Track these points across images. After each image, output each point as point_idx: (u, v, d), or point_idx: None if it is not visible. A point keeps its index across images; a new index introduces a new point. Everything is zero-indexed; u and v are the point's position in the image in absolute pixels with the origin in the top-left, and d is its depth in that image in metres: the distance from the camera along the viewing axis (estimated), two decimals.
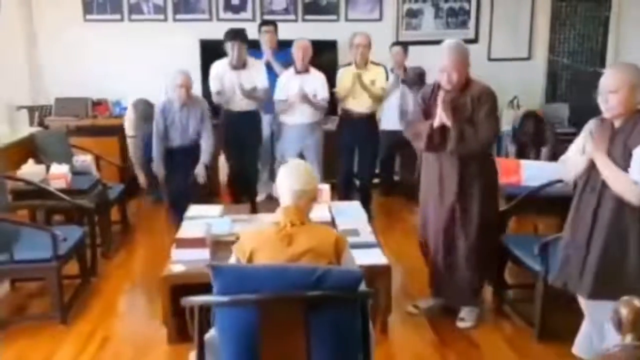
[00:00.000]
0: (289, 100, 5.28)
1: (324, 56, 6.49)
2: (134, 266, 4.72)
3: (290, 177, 2.41)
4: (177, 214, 4.51)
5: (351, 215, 4.16)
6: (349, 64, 5.56)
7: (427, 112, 3.62)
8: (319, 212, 4.16)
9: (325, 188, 4.38)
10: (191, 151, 4.84)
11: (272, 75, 5.55)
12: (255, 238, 2.36)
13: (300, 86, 5.23)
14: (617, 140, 2.72)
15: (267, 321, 2.07)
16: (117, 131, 6.12)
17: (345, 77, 5.47)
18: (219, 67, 5.34)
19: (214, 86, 5.31)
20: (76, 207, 4.26)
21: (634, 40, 6.79)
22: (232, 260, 2.40)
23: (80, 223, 4.34)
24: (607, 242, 2.73)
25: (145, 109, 5.72)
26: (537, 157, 5.41)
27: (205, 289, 2.21)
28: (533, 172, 4.32)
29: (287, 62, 5.52)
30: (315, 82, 5.30)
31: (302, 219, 2.37)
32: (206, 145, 4.85)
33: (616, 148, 2.71)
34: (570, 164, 3.01)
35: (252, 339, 2.09)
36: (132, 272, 4.63)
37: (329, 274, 2.11)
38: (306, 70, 5.28)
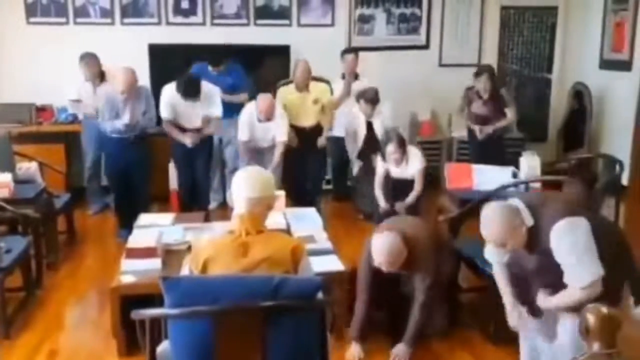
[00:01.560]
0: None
1: (276, 60, 6.47)
2: (81, 277, 4.54)
3: (245, 184, 2.36)
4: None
5: (307, 221, 4.13)
6: (290, 82, 5.64)
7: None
8: (274, 219, 4.12)
9: (281, 195, 4.34)
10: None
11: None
12: (210, 248, 2.30)
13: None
14: (527, 255, 2.69)
15: (223, 333, 2.01)
16: (63, 138, 5.93)
17: (289, 100, 5.51)
18: (171, 95, 5.17)
19: (166, 113, 5.19)
20: (22, 217, 4.07)
21: (579, 46, 6.99)
22: (185, 270, 2.33)
23: (25, 233, 4.16)
24: None
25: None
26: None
27: (156, 299, 2.13)
28: (484, 177, 4.39)
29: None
30: (278, 128, 5.32)
31: (257, 227, 2.31)
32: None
33: (530, 259, 2.68)
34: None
35: (207, 351, 2.03)
36: (80, 283, 4.46)
37: (286, 282, 2.07)
38: (269, 119, 5.27)
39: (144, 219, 4.26)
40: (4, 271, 3.56)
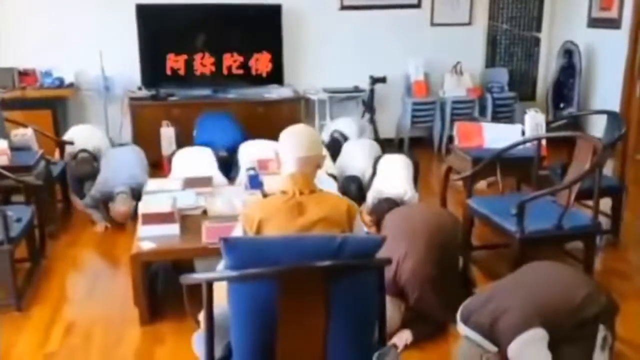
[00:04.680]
0: None
1: (267, 22, 6.31)
2: (83, 246, 4.41)
3: (294, 143, 2.27)
4: None
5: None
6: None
7: None
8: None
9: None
10: None
11: None
12: (263, 208, 2.22)
13: None
14: None
15: (288, 294, 1.94)
16: (50, 104, 5.70)
17: None
18: None
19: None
20: (24, 185, 3.89)
21: (568, 5, 6.99)
22: (238, 231, 2.24)
23: (27, 202, 3.98)
24: None
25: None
26: None
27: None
28: (494, 135, 4.37)
29: None
30: None
31: (310, 187, 2.24)
32: None
33: None
34: None
35: (269, 313, 1.96)
36: (83, 251, 4.33)
37: (349, 241, 2.00)
38: None
39: (151, 184, 4.14)
40: (14, 241, 3.41)
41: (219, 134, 5.55)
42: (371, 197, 4.35)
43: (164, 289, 3.68)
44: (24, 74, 5.86)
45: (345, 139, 5.41)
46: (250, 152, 4.97)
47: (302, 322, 2.01)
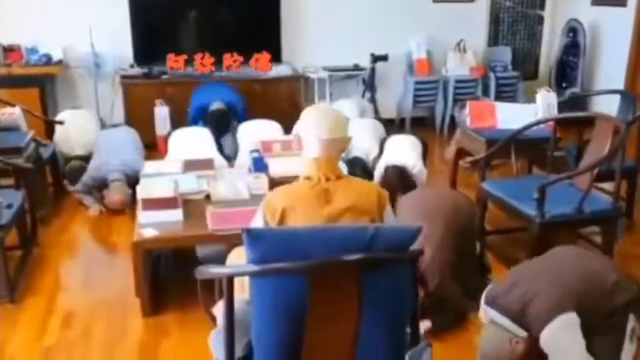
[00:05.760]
0: None
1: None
2: (78, 231, 4.20)
3: (318, 124, 2.07)
4: None
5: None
6: None
7: None
8: (293, 165, 3.86)
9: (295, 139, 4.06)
10: None
11: None
12: (287, 195, 2.03)
13: None
14: None
15: (318, 288, 1.77)
16: (37, 81, 5.42)
17: None
18: None
19: None
20: (14, 168, 3.66)
21: None
22: (259, 221, 2.05)
23: (17, 186, 3.75)
24: None
25: None
26: None
27: None
28: (508, 115, 4.21)
29: None
30: None
31: (336, 172, 2.06)
32: None
33: None
34: None
35: (297, 308, 1.78)
36: (77, 237, 4.13)
37: (382, 232, 1.83)
38: None
39: (148, 167, 3.93)
40: (5, 228, 3.20)
41: (217, 94, 5.38)
42: (378, 171, 4.18)
43: (165, 277, 3.49)
44: (8, 49, 5.56)
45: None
46: (250, 132, 4.78)
47: (332, 317, 1.84)
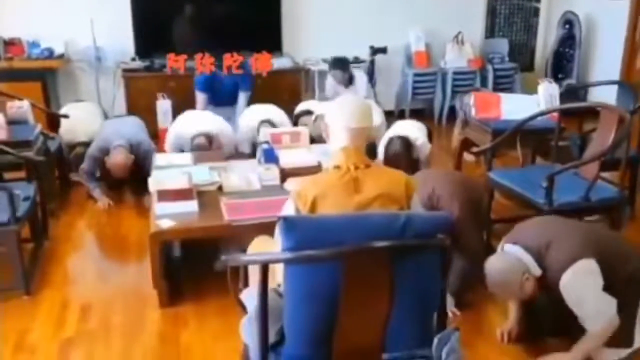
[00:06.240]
0: None
1: None
2: (88, 224, 4.22)
3: (346, 113, 2.12)
4: None
5: None
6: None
7: None
8: (301, 156, 3.91)
9: (304, 131, 4.14)
10: None
11: None
12: (317, 184, 2.07)
13: None
14: None
15: (352, 275, 1.81)
16: (39, 75, 5.40)
17: None
18: None
19: None
20: (26, 161, 3.66)
21: None
22: (290, 210, 2.09)
23: (29, 179, 3.74)
24: None
25: None
26: None
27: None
28: (512, 106, 4.26)
29: None
30: None
31: (365, 161, 2.10)
32: None
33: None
34: None
35: (331, 295, 1.83)
36: (88, 230, 4.15)
37: (413, 220, 1.88)
38: None
39: (160, 159, 3.95)
40: (21, 221, 3.21)
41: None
42: (382, 144, 4.19)
43: (177, 269, 3.52)
44: (9, 43, 5.54)
45: None
46: (252, 117, 4.75)
47: (364, 302, 1.89)
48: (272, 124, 4.53)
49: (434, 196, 3.05)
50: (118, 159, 4.19)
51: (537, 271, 2.50)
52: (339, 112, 2.14)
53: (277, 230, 2.00)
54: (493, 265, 2.60)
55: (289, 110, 4.94)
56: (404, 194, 2.08)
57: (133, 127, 4.64)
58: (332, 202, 2.02)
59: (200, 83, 5.30)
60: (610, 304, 2.47)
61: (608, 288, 2.47)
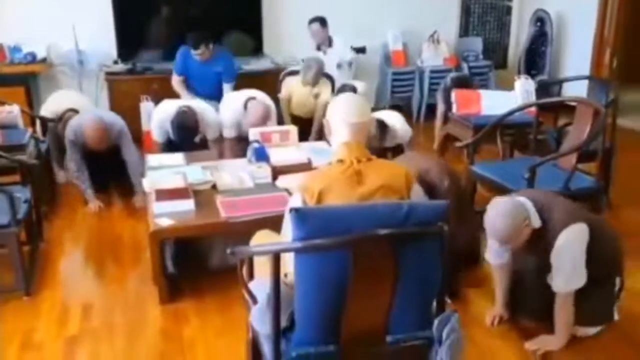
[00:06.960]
0: None
1: None
2: (79, 227, 4.25)
3: (347, 109, 2.23)
4: None
5: (325, 155, 4.03)
6: (296, 72, 5.39)
7: None
8: (292, 153, 4.02)
9: (293, 129, 4.24)
10: None
11: None
12: (322, 178, 2.18)
13: None
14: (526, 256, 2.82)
15: (360, 262, 1.93)
16: (22, 80, 5.42)
17: (294, 90, 5.33)
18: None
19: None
20: (20, 165, 3.70)
21: None
22: (297, 202, 2.20)
23: (24, 182, 3.78)
24: None
25: None
26: None
27: None
28: (492, 102, 4.43)
29: None
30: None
31: (366, 154, 2.22)
32: None
33: (529, 260, 2.83)
34: None
35: (339, 282, 1.94)
36: (80, 233, 4.18)
37: (415, 209, 2.01)
38: None
39: (152, 159, 4.02)
40: (20, 223, 3.27)
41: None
42: None
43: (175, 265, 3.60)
44: None
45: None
46: (236, 98, 4.79)
47: (371, 289, 2.01)
48: (257, 101, 4.60)
49: (422, 171, 3.14)
50: (91, 126, 4.14)
51: (537, 222, 2.61)
52: (341, 108, 2.25)
53: (286, 222, 2.12)
54: (498, 205, 2.64)
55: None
56: (404, 185, 2.20)
57: (107, 112, 4.68)
58: (336, 194, 2.13)
59: (176, 65, 5.37)
60: (582, 275, 2.64)
61: (589, 261, 2.64)
